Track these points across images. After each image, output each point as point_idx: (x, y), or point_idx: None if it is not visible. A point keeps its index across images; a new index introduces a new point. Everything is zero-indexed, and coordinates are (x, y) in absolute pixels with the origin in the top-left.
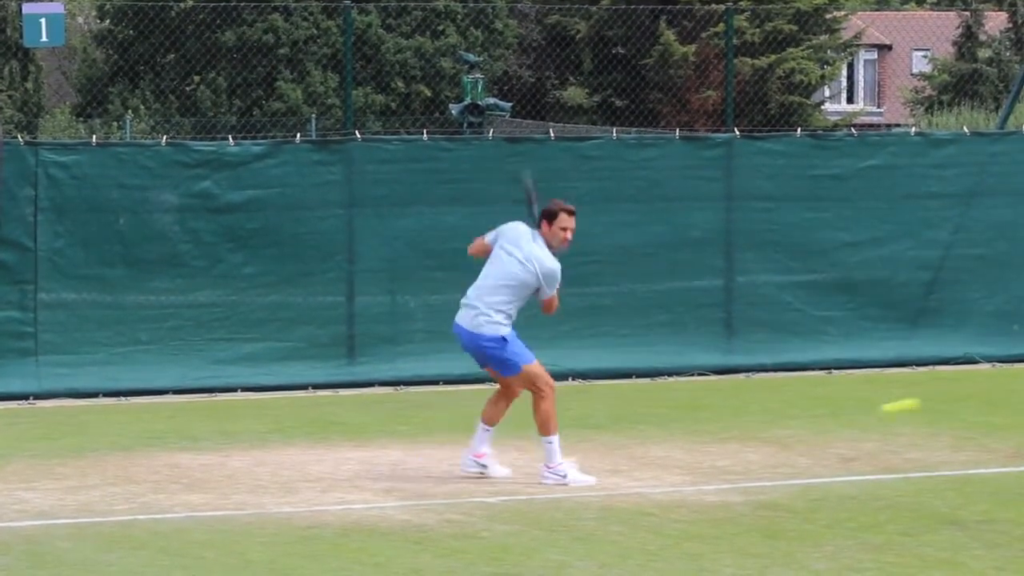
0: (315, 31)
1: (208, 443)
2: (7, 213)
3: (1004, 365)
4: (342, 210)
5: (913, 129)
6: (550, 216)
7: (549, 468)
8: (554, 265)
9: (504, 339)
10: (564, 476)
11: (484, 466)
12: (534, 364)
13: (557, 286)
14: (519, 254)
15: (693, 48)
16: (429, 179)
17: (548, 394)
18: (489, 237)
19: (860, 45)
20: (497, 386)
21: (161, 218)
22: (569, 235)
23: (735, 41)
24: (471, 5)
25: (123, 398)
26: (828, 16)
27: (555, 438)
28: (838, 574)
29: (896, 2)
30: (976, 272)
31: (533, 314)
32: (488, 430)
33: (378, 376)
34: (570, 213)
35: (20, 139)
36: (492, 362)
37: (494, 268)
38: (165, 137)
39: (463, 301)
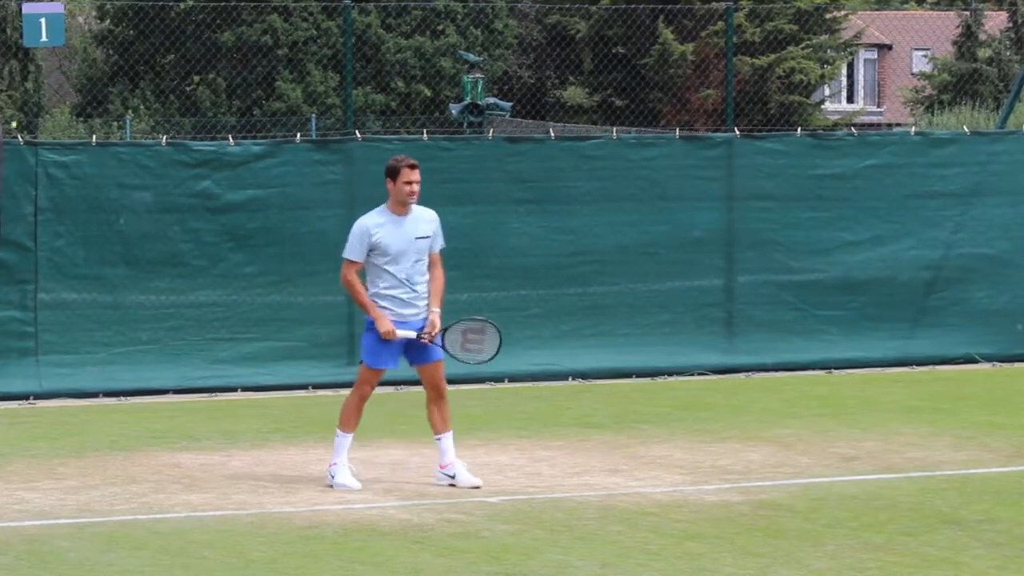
0: (315, 31)
1: (209, 443)
2: (7, 213)
3: (1005, 365)
4: (342, 210)
5: (913, 129)
6: (393, 173)
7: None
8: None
9: (368, 323)
10: (332, 476)
11: (452, 476)
12: (371, 369)
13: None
14: None
15: (692, 47)
16: (429, 179)
17: (357, 393)
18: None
19: (860, 44)
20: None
21: (152, 217)
22: (415, 187)
23: (735, 40)
24: (471, 5)
25: (123, 398)
26: (828, 15)
27: (345, 436)
28: (839, 573)
29: (896, 2)
30: (977, 272)
31: (534, 314)
32: (440, 438)
33: None
34: (411, 167)
35: (20, 139)
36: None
37: None
38: (165, 137)
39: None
